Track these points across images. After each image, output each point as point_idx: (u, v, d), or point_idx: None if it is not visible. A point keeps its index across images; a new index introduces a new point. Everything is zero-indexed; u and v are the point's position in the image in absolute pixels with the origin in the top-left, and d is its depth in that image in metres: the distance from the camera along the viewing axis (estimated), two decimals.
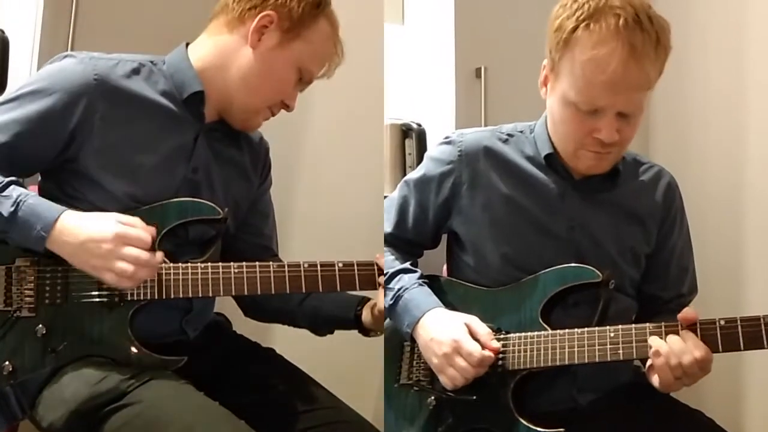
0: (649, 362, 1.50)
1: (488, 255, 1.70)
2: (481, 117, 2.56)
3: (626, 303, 1.70)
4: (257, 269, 1.61)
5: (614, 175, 1.69)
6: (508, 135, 1.76)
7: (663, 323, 1.50)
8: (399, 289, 1.71)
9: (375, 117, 2.44)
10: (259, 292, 1.61)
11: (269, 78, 1.70)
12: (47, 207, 1.49)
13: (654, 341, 1.48)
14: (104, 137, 1.59)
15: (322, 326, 1.84)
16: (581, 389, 1.65)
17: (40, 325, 1.52)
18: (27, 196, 1.49)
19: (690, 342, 1.45)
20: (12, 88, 1.78)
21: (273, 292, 1.62)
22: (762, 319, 1.44)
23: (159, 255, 1.52)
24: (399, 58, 2.57)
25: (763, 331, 1.43)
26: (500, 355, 1.60)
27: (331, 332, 1.84)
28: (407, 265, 1.77)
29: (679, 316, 1.49)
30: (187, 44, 1.74)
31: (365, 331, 1.76)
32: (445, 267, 1.93)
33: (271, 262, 1.64)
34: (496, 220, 1.70)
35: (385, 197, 1.90)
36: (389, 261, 1.77)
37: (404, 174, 2.48)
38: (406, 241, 1.82)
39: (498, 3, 2.58)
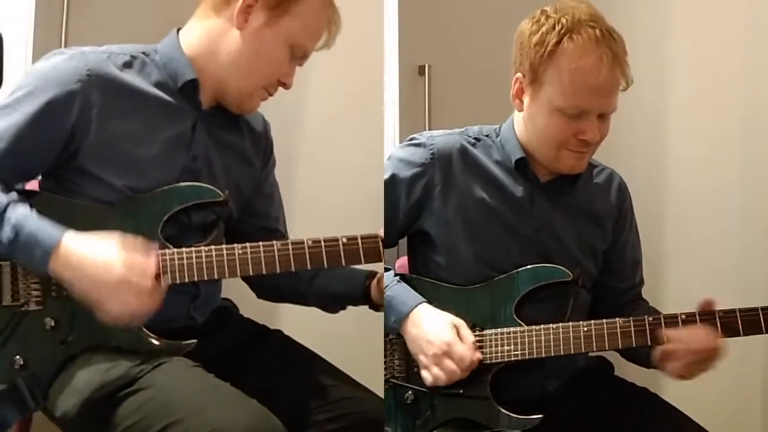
0: (659, 352, 1.65)
1: (461, 255, 1.76)
2: (425, 115, 2.53)
3: (584, 296, 1.81)
4: (261, 249, 1.58)
5: (575, 178, 1.79)
6: (475, 138, 1.81)
7: (631, 318, 1.66)
8: None
9: (374, 99, 2.43)
10: (264, 272, 1.57)
11: (260, 59, 1.65)
12: (47, 233, 1.48)
13: (669, 332, 1.63)
14: (102, 131, 1.57)
15: (330, 304, 1.83)
16: (548, 377, 1.76)
17: (48, 318, 1.54)
18: (26, 219, 1.49)
19: (701, 331, 1.63)
20: (8, 85, 1.76)
21: (278, 271, 1.58)
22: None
23: (164, 284, 1.52)
24: None
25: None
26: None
27: (343, 308, 1.83)
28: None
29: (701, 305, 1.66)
30: (179, 30, 1.70)
31: (375, 306, 1.75)
32: (397, 263, 1.97)
33: (275, 241, 1.59)
34: (470, 221, 1.76)
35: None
36: None
37: None
38: None
39: None
